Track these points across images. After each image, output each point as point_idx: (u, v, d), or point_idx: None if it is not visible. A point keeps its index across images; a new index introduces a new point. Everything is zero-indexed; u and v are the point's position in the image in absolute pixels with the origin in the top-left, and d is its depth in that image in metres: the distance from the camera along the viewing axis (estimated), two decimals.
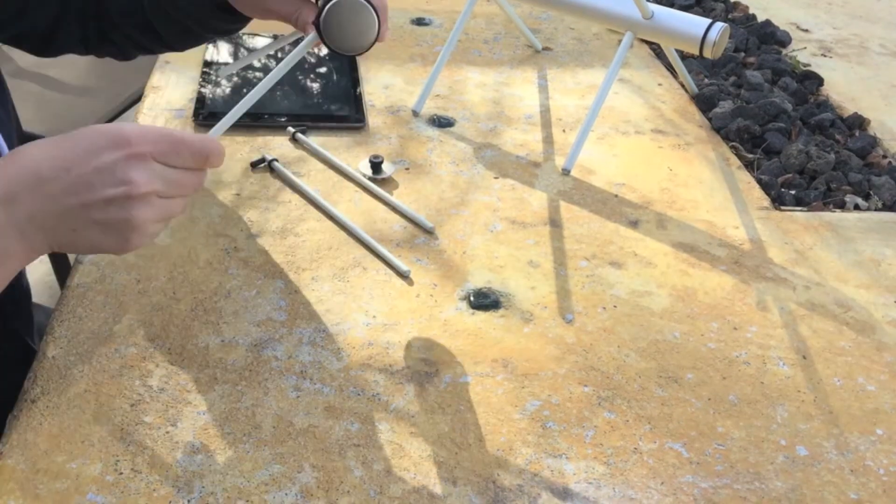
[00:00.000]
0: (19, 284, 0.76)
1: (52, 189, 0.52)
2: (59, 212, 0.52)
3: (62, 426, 0.59)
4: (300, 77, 1.05)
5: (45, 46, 0.82)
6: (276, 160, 0.89)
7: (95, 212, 0.52)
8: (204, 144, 0.56)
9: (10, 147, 0.71)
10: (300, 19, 0.69)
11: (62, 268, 1.20)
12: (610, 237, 0.83)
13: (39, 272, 1.84)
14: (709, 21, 0.87)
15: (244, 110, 0.63)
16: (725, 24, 0.86)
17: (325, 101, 1.01)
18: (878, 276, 0.81)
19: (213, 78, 1.03)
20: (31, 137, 1.68)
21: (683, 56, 1.18)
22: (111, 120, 1.82)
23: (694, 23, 0.88)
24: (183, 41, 0.81)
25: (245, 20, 0.77)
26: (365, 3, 0.63)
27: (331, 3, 0.63)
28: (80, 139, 0.53)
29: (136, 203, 0.53)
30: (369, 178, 0.88)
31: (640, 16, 0.90)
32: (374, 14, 0.64)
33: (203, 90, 1.00)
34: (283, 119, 0.96)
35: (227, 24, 0.77)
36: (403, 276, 0.75)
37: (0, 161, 0.52)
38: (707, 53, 0.87)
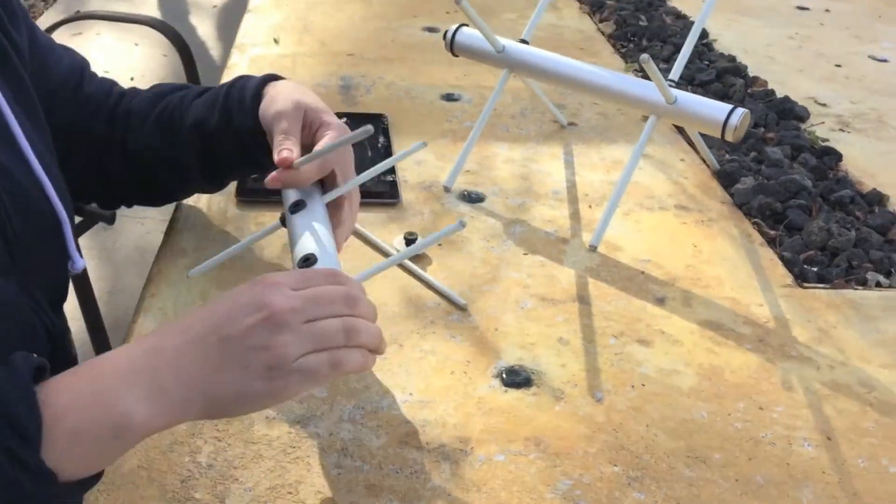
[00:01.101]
0: (70, 355, 0.80)
1: (194, 332, 0.52)
2: (200, 352, 0.51)
3: (116, 502, 0.62)
4: None
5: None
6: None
7: (235, 344, 0.51)
8: (331, 270, 0.59)
9: (51, 177, 0.73)
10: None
11: (100, 336, 1.24)
12: (637, 314, 0.86)
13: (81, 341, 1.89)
14: (731, 107, 0.91)
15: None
16: (746, 111, 0.90)
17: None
18: None
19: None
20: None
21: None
22: None
23: (716, 108, 0.92)
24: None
25: None
26: None
27: None
28: (226, 293, 0.55)
29: (276, 328, 0.52)
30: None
31: (664, 100, 0.94)
32: None
33: None
34: None
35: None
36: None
37: (159, 323, 0.55)
38: (729, 137, 0.91)
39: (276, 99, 0.76)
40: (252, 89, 0.79)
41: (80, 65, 0.84)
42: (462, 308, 0.84)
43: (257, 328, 0.52)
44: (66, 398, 0.49)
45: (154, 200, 0.91)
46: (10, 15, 0.70)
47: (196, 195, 0.99)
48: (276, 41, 1.44)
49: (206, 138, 0.81)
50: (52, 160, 0.71)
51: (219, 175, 0.87)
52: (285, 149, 0.70)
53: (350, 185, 0.73)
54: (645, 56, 0.86)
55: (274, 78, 0.81)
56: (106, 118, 0.84)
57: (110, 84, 0.88)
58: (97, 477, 0.52)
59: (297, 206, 0.71)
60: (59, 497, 0.49)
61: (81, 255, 0.70)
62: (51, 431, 0.47)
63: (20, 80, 0.69)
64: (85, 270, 1.65)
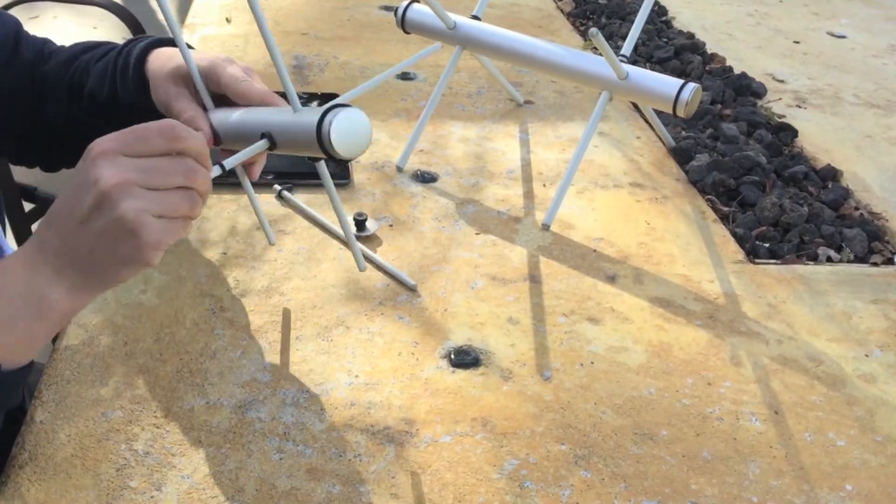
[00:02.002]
0: None
1: (58, 222, 0.56)
2: (69, 238, 0.55)
3: (49, 492, 0.60)
4: None
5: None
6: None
7: (92, 223, 0.54)
8: (167, 122, 0.56)
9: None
10: (194, 125, 0.70)
11: None
12: (588, 292, 0.85)
13: None
14: (681, 82, 0.90)
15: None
16: (697, 85, 0.89)
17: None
18: (849, 330, 0.83)
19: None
20: (23, 188, 1.69)
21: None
22: None
23: (667, 83, 0.91)
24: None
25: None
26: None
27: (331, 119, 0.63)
28: (71, 182, 0.56)
29: (115, 198, 0.53)
30: (357, 237, 0.90)
31: (615, 76, 0.93)
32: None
33: None
34: (269, 177, 0.98)
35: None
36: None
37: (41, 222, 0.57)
38: (680, 112, 0.90)
39: (157, 68, 0.74)
40: (134, 58, 0.76)
41: (15, 28, 0.81)
42: (411, 289, 0.83)
43: (102, 204, 0.53)
44: None
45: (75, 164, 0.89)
46: None
47: None
48: (228, 20, 1.42)
49: (101, 108, 0.79)
50: None
51: None
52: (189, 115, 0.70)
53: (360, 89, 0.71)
54: (593, 30, 0.85)
55: (162, 42, 0.77)
56: (31, 82, 0.82)
57: (41, 43, 0.84)
58: (29, 367, 0.59)
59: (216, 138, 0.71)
60: (3, 385, 0.56)
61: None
62: None
63: None
64: None
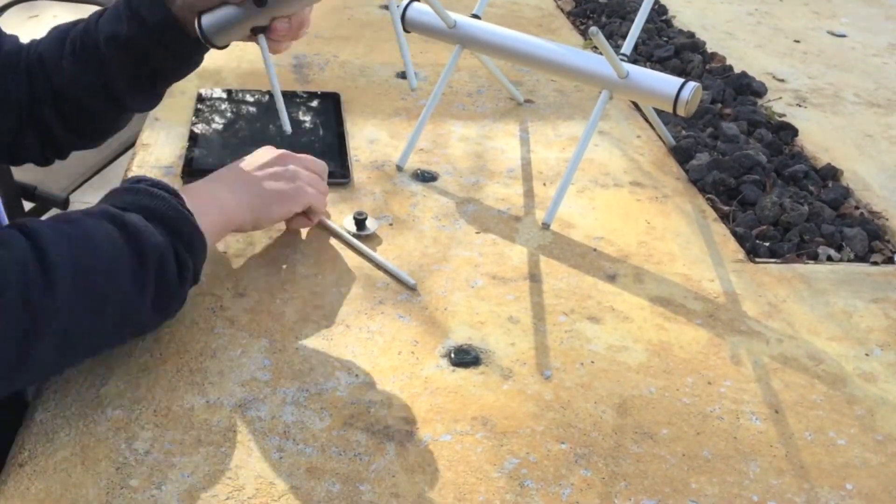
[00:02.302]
0: None
1: (237, 165, 0.84)
2: (249, 176, 0.82)
3: (49, 491, 0.60)
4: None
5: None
6: None
7: (268, 168, 0.84)
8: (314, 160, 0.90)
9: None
10: None
11: None
12: (588, 291, 0.85)
13: None
14: (682, 80, 0.90)
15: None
16: (698, 84, 0.89)
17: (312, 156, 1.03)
18: (849, 329, 0.83)
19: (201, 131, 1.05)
20: (23, 187, 1.70)
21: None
22: (101, 170, 1.84)
23: (667, 82, 0.91)
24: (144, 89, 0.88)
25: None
26: None
27: None
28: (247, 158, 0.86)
29: (286, 161, 0.86)
30: (354, 235, 0.90)
31: (615, 75, 0.92)
32: None
33: (192, 149, 1.02)
34: None
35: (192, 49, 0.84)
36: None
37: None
38: (681, 111, 0.90)
39: None
40: None
41: None
42: (412, 288, 0.83)
43: (279, 165, 0.85)
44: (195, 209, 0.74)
45: (92, 138, 0.91)
46: None
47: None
48: None
49: (124, 49, 0.80)
50: None
51: (149, 84, 0.86)
52: None
53: None
54: (594, 29, 0.85)
55: None
56: (23, 75, 0.83)
57: (15, 39, 0.86)
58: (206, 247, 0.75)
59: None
60: (203, 242, 0.73)
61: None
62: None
63: None
64: None
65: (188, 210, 0.72)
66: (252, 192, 0.81)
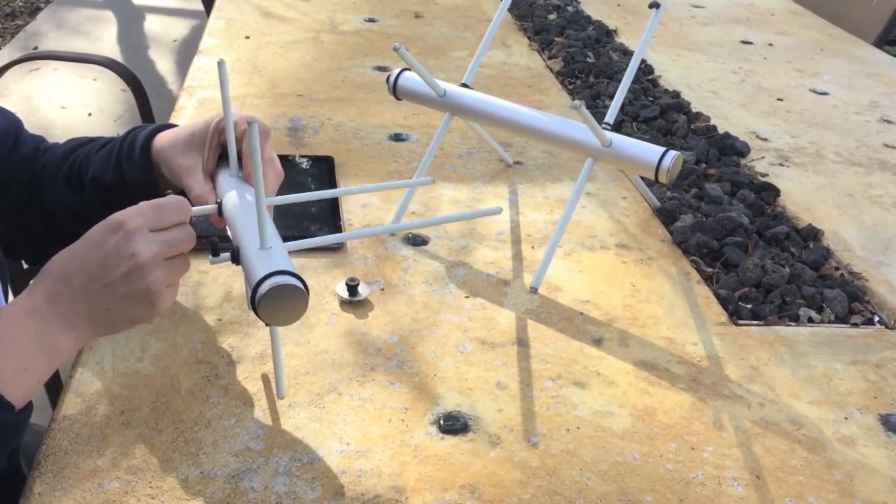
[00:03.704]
0: None
1: (78, 281, 0.65)
2: (89, 297, 0.64)
3: None
4: None
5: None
6: None
7: (118, 288, 0.64)
8: (180, 199, 0.68)
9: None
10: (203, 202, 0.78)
11: (54, 384, 1.23)
12: (575, 356, 0.87)
13: None
14: (663, 150, 0.93)
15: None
16: (678, 154, 0.93)
17: (305, 221, 1.06)
18: (829, 392, 0.85)
19: None
20: None
21: None
22: None
23: (649, 151, 0.94)
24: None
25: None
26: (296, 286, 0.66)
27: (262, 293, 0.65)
28: (88, 236, 0.66)
29: (147, 270, 0.64)
30: (346, 301, 0.92)
31: (599, 144, 0.96)
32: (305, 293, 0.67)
33: None
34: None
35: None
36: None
37: (39, 275, 0.65)
38: (662, 179, 0.93)
39: (164, 155, 0.81)
40: (140, 143, 0.83)
41: (15, 125, 0.85)
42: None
43: (132, 273, 0.64)
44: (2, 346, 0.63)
45: None
46: None
47: None
48: None
49: (103, 192, 0.84)
50: None
51: None
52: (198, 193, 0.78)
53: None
54: (577, 102, 0.88)
55: (165, 127, 0.85)
56: (28, 175, 0.86)
57: (38, 141, 0.89)
58: (30, 405, 0.68)
59: (220, 208, 0.76)
60: (13, 427, 0.63)
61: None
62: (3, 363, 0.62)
63: None
64: None
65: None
66: (95, 317, 0.65)
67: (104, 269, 0.64)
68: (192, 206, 0.77)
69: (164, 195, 0.79)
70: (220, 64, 0.76)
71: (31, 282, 0.66)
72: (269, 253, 0.68)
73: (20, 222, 0.86)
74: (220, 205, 0.76)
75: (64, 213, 0.86)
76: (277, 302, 0.65)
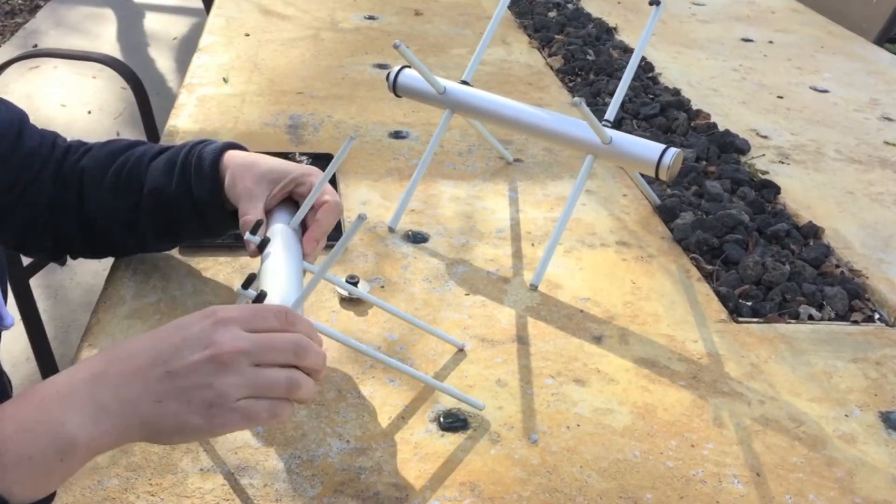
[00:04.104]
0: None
1: (140, 361, 0.54)
2: (144, 381, 0.53)
3: None
4: None
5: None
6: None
7: (180, 379, 0.53)
8: (282, 307, 0.60)
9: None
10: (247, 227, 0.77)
11: (49, 372, 1.23)
12: (575, 353, 0.87)
13: (24, 371, 1.87)
14: (663, 147, 0.93)
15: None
16: (679, 150, 0.92)
17: None
18: (830, 389, 0.85)
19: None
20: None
21: None
22: None
23: (649, 148, 0.94)
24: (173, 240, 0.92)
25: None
26: None
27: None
28: (175, 321, 0.57)
29: (221, 367, 0.54)
30: (346, 299, 0.92)
31: (599, 141, 0.96)
32: None
33: None
34: None
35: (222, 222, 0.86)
36: (461, 349, 0.85)
37: (105, 348, 0.55)
38: (663, 176, 0.93)
39: (237, 173, 0.81)
40: (210, 160, 0.82)
41: (19, 118, 0.85)
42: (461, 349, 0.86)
43: (203, 365, 0.54)
44: (11, 427, 0.52)
45: (102, 255, 0.94)
46: None
47: None
48: (225, 80, 1.45)
49: (164, 204, 0.84)
50: None
51: (174, 237, 0.91)
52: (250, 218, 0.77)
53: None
54: (577, 99, 0.88)
55: (231, 146, 0.85)
56: (53, 176, 0.85)
57: (52, 137, 0.89)
58: (50, 498, 0.54)
59: (263, 245, 0.75)
60: None
61: (30, 302, 0.71)
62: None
63: None
64: (37, 314, 1.64)
65: None
66: (138, 409, 0.53)
67: (176, 352, 0.54)
68: (240, 228, 0.78)
69: (227, 211, 0.81)
70: (349, 139, 0.72)
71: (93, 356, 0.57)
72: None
73: (47, 224, 0.85)
74: (264, 242, 0.75)
75: (109, 220, 0.86)
76: None
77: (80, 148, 0.89)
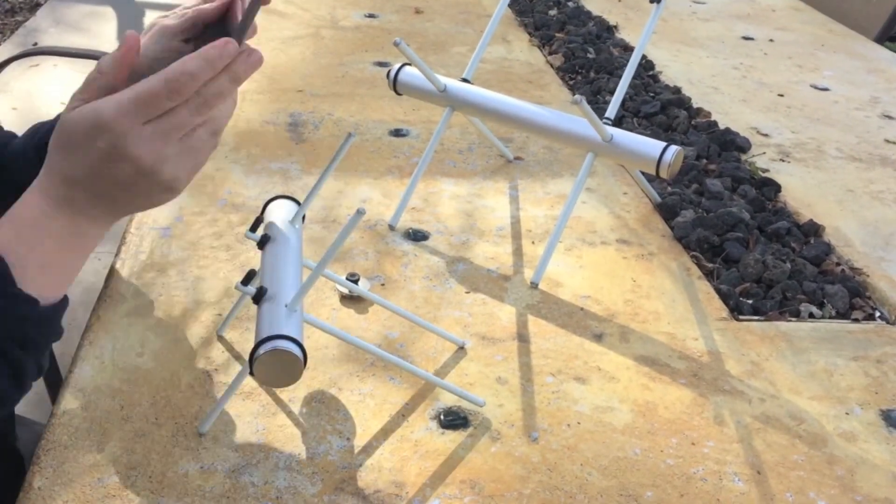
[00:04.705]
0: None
1: (87, 183, 0.57)
2: (107, 193, 0.58)
3: None
4: None
5: None
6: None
7: (132, 188, 0.57)
8: (170, 72, 0.55)
9: None
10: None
11: (54, 381, 1.22)
12: (575, 351, 0.87)
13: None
14: (664, 144, 0.93)
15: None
16: (680, 148, 0.92)
17: None
18: (830, 387, 0.85)
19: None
20: None
21: None
22: None
23: (650, 145, 0.94)
24: None
25: None
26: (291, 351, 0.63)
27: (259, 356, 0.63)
28: (71, 141, 0.57)
29: (156, 170, 0.56)
30: (346, 297, 0.92)
31: (600, 138, 0.96)
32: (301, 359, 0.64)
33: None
34: None
35: None
36: (461, 347, 0.85)
37: (39, 178, 0.58)
38: (663, 174, 0.93)
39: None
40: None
41: None
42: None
43: (139, 181, 0.57)
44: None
45: None
46: None
47: (139, 239, 0.99)
48: None
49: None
50: None
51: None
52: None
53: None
54: (577, 97, 0.88)
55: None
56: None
57: (8, 136, 0.86)
58: (65, 302, 0.61)
59: (263, 242, 0.75)
60: (44, 319, 0.58)
61: None
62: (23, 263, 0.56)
63: None
64: None
65: (14, 291, 0.56)
66: (115, 206, 0.59)
67: (107, 171, 0.56)
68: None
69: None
70: (349, 136, 0.71)
71: (28, 193, 0.59)
72: (293, 316, 0.66)
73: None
74: (264, 239, 0.74)
75: None
76: (275, 365, 0.63)
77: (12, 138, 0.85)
